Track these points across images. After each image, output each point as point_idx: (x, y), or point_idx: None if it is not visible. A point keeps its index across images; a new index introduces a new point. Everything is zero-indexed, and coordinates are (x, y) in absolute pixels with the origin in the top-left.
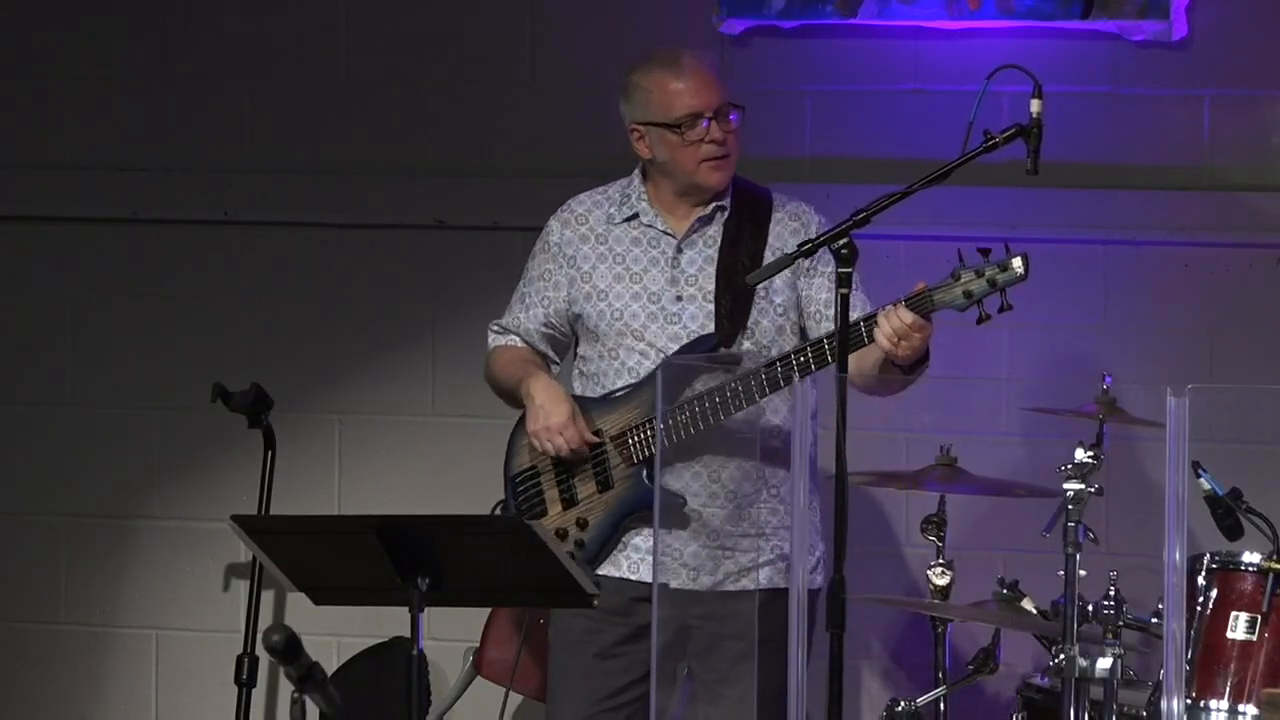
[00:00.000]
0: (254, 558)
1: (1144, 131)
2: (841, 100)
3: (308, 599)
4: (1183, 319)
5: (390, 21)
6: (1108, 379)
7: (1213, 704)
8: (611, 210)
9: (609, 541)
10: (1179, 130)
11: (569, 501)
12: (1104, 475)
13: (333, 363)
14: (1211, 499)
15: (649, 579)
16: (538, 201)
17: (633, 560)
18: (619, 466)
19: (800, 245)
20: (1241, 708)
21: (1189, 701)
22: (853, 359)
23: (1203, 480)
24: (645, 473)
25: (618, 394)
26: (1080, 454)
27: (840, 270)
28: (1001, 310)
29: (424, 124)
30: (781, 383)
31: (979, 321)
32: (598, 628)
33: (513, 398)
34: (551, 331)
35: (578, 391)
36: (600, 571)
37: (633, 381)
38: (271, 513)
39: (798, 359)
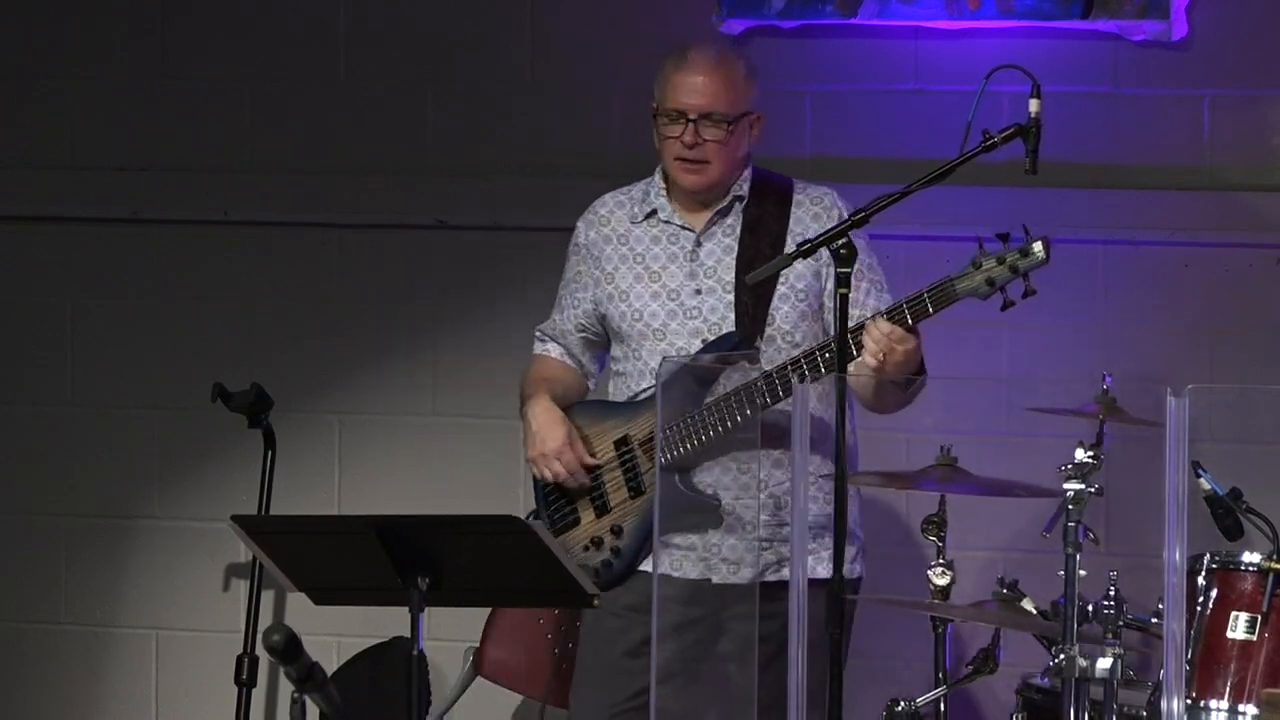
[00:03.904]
0: (254, 558)
1: (1144, 131)
2: (841, 100)
3: (308, 599)
4: (1183, 319)
5: (390, 21)
6: (1108, 379)
7: (1213, 704)
8: (634, 209)
9: (645, 547)
10: (1179, 130)
11: (601, 509)
12: (1104, 475)
13: (333, 363)
14: (1211, 499)
15: (692, 575)
16: (538, 201)
17: (674, 557)
18: (649, 471)
19: (799, 245)
20: (1241, 708)
21: (1189, 701)
22: (856, 380)
23: (1203, 480)
24: (678, 475)
25: (641, 397)
26: (1080, 454)
27: (839, 270)
28: (1026, 296)
29: (424, 124)
30: (781, 393)
31: (1004, 308)
32: (627, 625)
33: None
34: (586, 334)
35: (611, 392)
36: (640, 568)
37: (655, 383)
38: (271, 513)
39: (795, 369)
